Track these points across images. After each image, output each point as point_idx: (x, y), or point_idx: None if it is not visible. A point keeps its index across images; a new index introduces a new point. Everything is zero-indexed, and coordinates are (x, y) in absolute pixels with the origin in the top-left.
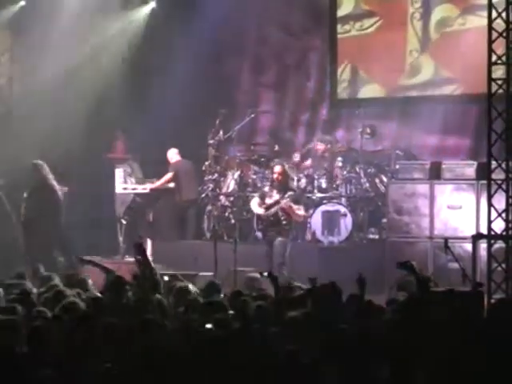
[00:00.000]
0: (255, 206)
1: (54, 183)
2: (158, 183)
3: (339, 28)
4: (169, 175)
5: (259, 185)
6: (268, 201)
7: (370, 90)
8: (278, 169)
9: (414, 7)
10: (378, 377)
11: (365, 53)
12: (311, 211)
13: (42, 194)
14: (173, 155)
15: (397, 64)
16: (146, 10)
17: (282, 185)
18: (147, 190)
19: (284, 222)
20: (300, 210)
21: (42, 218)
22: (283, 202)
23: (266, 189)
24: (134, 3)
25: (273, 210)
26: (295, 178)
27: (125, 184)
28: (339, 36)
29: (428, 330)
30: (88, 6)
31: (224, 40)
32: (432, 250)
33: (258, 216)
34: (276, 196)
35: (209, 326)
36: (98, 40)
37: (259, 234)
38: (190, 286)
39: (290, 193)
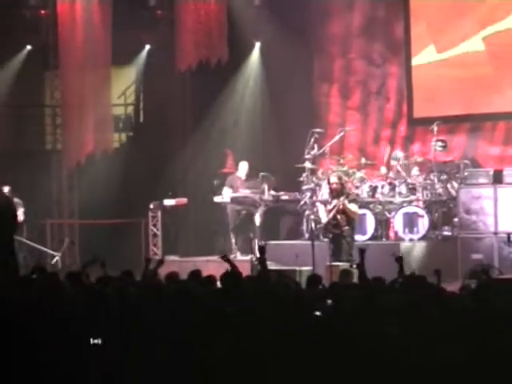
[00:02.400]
0: (322, 213)
1: None
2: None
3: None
4: None
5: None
6: (329, 207)
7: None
8: (333, 179)
9: None
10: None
11: None
12: (393, 213)
13: None
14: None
15: None
16: (255, 51)
17: (339, 192)
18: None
19: (343, 223)
20: (354, 208)
21: None
22: (338, 204)
23: (327, 197)
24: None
25: (331, 213)
26: (379, 185)
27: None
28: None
29: (496, 312)
30: None
31: (317, 69)
32: (497, 244)
33: (321, 220)
34: (334, 202)
35: (317, 313)
36: None
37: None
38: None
39: (343, 196)
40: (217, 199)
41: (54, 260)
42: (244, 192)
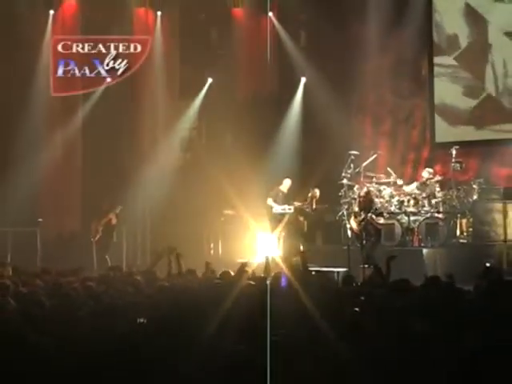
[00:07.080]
0: (353, 222)
1: None
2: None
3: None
4: None
5: (379, 205)
6: (359, 218)
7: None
8: (362, 193)
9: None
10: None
11: None
12: (417, 223)
13: None
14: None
15: None
16: (301, 86)
17: (366, 205)
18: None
19: (372, 232)
20: (380, 220)
21: None
22: (368, 217)
23: (356, 209)
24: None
25: (362, 224)
26: (405, 199)
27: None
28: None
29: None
30: None
31: (354, 100)
32: (505, 250)
33: (354, 229)
34: (363, 214)
35: (356, 309)
36: None
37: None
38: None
39: (372, 210)
40: (275, 210)
41: None
42: (298, 204)
